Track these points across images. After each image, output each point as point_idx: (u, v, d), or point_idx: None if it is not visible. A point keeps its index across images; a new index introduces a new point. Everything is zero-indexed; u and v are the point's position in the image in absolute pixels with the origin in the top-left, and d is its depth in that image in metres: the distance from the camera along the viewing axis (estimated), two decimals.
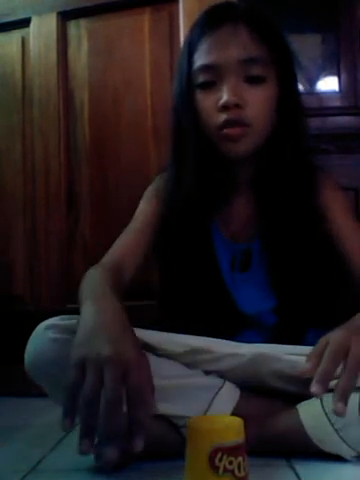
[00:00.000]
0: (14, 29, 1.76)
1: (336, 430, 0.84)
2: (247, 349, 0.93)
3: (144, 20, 1.64)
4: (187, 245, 1.02)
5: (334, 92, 1.73)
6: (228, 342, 0.95)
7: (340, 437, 0.84)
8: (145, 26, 1.64)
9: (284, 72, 0.98)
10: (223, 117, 0.93)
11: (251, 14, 0.98)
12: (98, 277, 0.91)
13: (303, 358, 0.88)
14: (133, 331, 0.78)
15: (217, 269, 1.02)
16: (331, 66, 1.77)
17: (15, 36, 1.76)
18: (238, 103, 0.92)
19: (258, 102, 0.94)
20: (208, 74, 0.95)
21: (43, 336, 0.88)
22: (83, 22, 1.70)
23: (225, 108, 0.92)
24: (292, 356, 0.90)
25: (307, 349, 0.92)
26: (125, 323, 0.77)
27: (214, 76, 0.94)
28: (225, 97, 0.92)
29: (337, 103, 1.71)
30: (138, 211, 1.10)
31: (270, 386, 0.93)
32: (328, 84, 1.79)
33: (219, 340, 0.94)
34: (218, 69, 0.94)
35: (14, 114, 1.74)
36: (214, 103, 0.94)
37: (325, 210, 1.01)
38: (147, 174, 1.61)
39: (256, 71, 0.94)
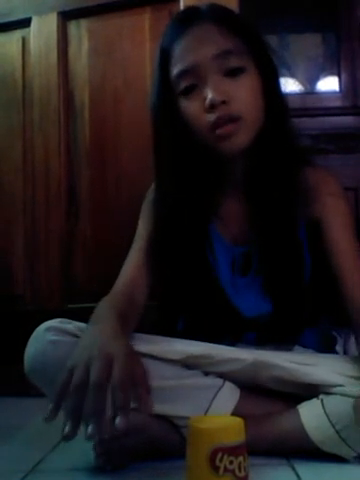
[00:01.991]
0: (14, 29, 1.76)
1: (337, 431, 0.84)
2: (248, 354, 0.92)
3: (144, 20, 1.64)
4: (184, 254, 1.00)
5: (334, 92, 1.73)
6: (228, 348, 0.95)
7: (341, 438, 0.84)
8: (145, 26, 1.64)
9: (262, 61, 0.96)
10: (212, 117, 0.91)
11: (216, 12, 0.97)
12: (105, 305, 0.92)
13: (303, 367, 0.89)
14: (126, 339, 0.80)
15: (217, 276, 1.00)
16: (331, 66, 1.77)
17: (15, 36, 1.76)
18: (224, 100, 0.90)
19: (243, 93, 0.92)
20: (188, 78, 0.93)
21: (43, 338, 0.89)
22: (83, 22, 1.70)
23: (212, 107, 0.90)
24: (292, 364, 0.90)
25: (307, 357, 0.93)
26: (117, 333, 0.80)
27: (194, 79, 0.92)
28: (210, 96, 0.90)
29: (337, 103, 1.71)
30: (139, 229, 1.08)
31: (270, 388, 0.93)
32: (328, 84, 1.79)
33: (219, 346, 0.94)
34: (196, 71, 0.92)
35: (14, 114, 1.74)
36: (200, 106, 0.92)
37: (321, 218, 0.98)
38: (147, 174, 1.60)
39: (233, 63, 0.92)
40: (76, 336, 0.89)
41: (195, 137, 0.95)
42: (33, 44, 1.73)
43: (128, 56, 1.66)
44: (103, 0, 1.67)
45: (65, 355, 0.83)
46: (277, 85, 0.99)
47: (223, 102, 0.90)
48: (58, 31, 1.70)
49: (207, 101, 0.90)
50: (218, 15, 0.96)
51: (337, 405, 0.85)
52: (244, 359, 0.92)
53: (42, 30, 1.72)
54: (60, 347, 0.87)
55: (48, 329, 0.90)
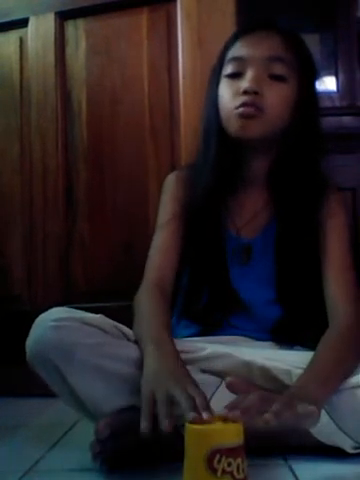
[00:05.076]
0: (12, 29, 1.75)
1: (332, 419, 0.84)
2: (240, 353, 0.95)
3: (142, 20, 1.64)
4: (201, 227, 1.08)
5: (332, 92, 1.73)
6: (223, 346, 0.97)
7: (337, 425, 0.84)
8: (143, 26, 1.64)
9: (305, 81, 1.06)
10: (241, 99, 1.01)
11: (284, 27, 1.08)
12: (151, 311, 0.98)
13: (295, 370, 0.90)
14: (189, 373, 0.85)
15: (223, 252, 1.07)
16: (329, 66, 1.78)
17: (13, 36, 1.75)
18: (257, 91, 1.00)
19: (275, 96, 1.02)
20: (236, 65, 1.04)
21: (45, 323, 0.91)
22: (81, 22, 1.70)
23: (245, 93, 1.00)
24: (288, 367, 0.91)
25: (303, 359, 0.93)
26: (184, 367, 0.85)
27: (241, 68, 1.03)
28: (246, 83, 1.01)
29: (335, 103, 1.71)
30: (163, 205, 1.14)
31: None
32: (326, 84, 1.79)
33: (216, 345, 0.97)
34: (246, 62, 1.03)
35: (12, 114, 1.74)
36: (236, 89, 1.02)
37: (324, 223, 1.06)
38: (144, 174, 1.61)
39: (279, 70, 1.02)
40: (78, 321, 0.91)
41: (220, 119, 1.05)
42: (30, 44, 1.72)
43: (126, 56, 1.66)
44: (100, 0, 1.67)
45: (66, 338, 0.87)
46: (312, 106, 1.08)
47: (256, 92, 1.00)
48: (55, 31, 1.70)
49: (242, 87, 1.01)
50: (287, 32, 1.07)
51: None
52: (236, 356, 0.94)
53: (39, 30, 1.71)
54: (61, 331, 0.89)
55: (50, 314, 0.92)
